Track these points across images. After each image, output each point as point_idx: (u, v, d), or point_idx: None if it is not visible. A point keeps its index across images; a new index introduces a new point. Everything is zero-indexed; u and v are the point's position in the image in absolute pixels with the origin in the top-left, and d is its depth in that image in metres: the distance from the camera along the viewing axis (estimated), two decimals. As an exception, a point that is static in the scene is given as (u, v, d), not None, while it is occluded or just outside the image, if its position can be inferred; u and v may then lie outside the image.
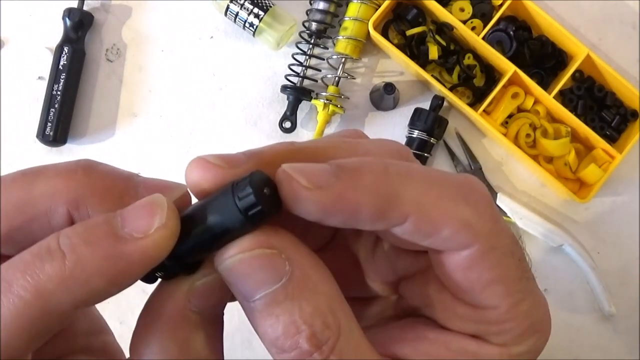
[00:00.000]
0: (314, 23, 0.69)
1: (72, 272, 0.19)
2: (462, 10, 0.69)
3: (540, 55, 0.69)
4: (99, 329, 0.27)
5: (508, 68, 0.66)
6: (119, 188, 0.21)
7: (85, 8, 0.70)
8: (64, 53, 0.68)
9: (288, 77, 0.71)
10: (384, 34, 0.70)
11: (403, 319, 0.25)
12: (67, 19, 0.69)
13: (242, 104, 0.72)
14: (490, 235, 0.21)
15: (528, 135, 0.68)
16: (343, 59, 0.69)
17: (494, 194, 0.71)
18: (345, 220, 0.20)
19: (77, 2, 0.70)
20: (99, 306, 0.23)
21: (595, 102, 0.70)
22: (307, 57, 0.70)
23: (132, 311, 0.22)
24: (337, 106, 0.69)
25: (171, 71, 0.72)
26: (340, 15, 0.70)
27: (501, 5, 0.68)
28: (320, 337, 0.19)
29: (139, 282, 0.21)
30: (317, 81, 0.71)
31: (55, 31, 0.70)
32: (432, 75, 0.68)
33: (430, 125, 0.68)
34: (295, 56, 0.70)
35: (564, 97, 0.70)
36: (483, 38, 0.67)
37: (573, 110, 0.68)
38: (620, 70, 0.70)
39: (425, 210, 0.20)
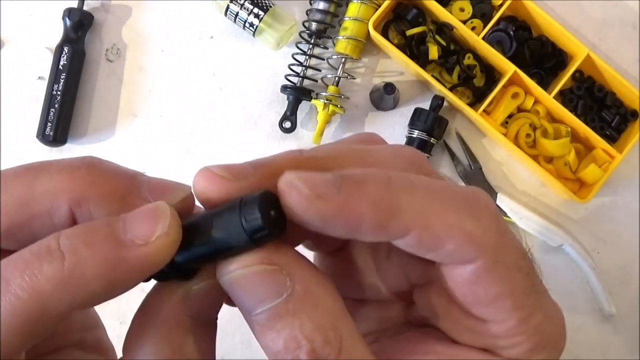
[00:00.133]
0: (314, 23, 0.69)
1: (71, 274, 0.19)
2: (462, 10, 0.69)
3: (540, 55, 0.69)
4: (93, 324, 0.27)
5: (508, 68, 0.66)
6: (123, 187, 0.21)
7: (85, 8, 0.70)
8: (64, 53, 0.68)
9: (288, 77, 0.71)
10: (384, 34, 0.70)
11: (414, 329, 0.25)
12: (67, 19, 0.69)
13: (242, 104, 0.72)
14: (495, 249, 0.20)
15: (528, 135, 0.68)
16: (343, 59, 0.69)
17: (494, 194, 0.71)
18: (345, 231, 0.20)
19: (77, 2, 0.70)
20: (99, 305, 0.23)
21: (595, 102, 0.70)
22: (307, 57, 0.70)
23: (132, 311, 0.22)
24: (337, 106, 0.69)
25: (171, 71, 0.72)
26: (340, 15, 0.70)
27: (501, 5, 0.68)
28: (321, 352, 0.19)
29: None
30: (317, 81, 0.71)
31: (55, 31, 0.70)
32: (432, 75, 0.68)
33: (430, 125, 0.68)
34: (295, 56, 0.70)
35: (564, 97, 0.70)
36: (483, 38, 0.67)
37: (573, 110, 0.68)
38: (620, 70, 0.70)
39: (428, 224, 0.20)
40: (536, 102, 0.69)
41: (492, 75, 0.70)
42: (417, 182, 0.20)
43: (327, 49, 0.72)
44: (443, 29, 0.68)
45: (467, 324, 0.22)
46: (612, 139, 0.70)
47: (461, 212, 0.20)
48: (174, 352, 0.21)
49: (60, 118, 0.68)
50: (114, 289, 0.19)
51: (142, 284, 0.21)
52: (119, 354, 0.22)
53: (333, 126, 0.72)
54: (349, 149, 0.22)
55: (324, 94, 0.69)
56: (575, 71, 0.68)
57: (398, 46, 0.68)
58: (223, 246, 0.20)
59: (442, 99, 0.68)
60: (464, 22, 0.68)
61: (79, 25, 0.69)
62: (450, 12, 0.67)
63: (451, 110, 0.72)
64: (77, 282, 0.19)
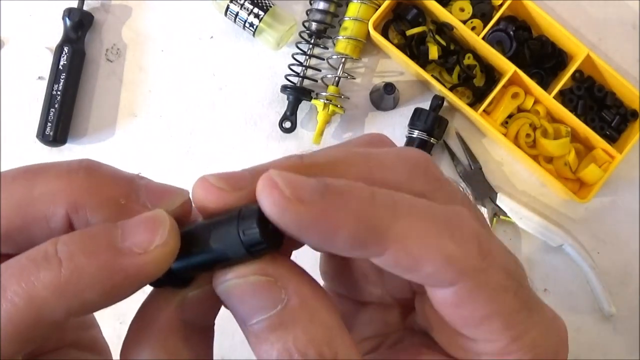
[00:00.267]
0: (314, 23, 0.69)
1: (68, 281, 0.18)
2: (462, 10, 0.69)
3: (540, 55, 0.69)
4: (89, 323, 0.27)
5: (508, 68, 0.66)
6: (120, 192, 0.21)
7: (85, 8, 0.70)
8: (64, 53, 0.68)
9: (288, 77, 0.71)
10: (384, 34, 0.70)
11: (416, 336, 0.25)
12: (67, 19, 0.69)
13: (242, 104, 0.72)
14: (477, 272, 0.20)
15: (528, 135, 0.68)
16: (343, 59, 0.69)
17: (494, 194, 0.71)
18: (321, 242, 0.20)
19: (77, 2, 0.70)
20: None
21: (595, 102, 0.70)
22: (307, 57, 0.70)
23: (132, 311, 0.22)
24: (337, 106, 0.69)
25: (171, 71, 0.72)
26: (340, 15, 0.70)
27: (501, 5, 0.68)
28: None
29: None
30: (317, 81, 0.71)
31: (55, 31, 0.70)
32: (432, 75, 0.68)
33: (430, 125, 0.68)
34: (295, 56, 0.70)
35: (564, 97, 0.70)
36: (483, 38, 0.67)
37: (573, 110, 0.68)
38: (620, 70, 0.70)
39: (406, 245, 0.19)
40: (536, 102, 0.69)
41: (492, 75, 0.70)
42: (399, 201, 0.20)
43: (327, 49, 0.72)
44: (443, 29, 0.68)
45: (460, 342, 0.22)
46: (612, 139, 0.70)
47: (442, 234, 0.20)
48: (170, 357, 0.21)
49: (60, 118, 0.68)
50: (111, 297, 0.19)
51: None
52: (119, 354, 0.22)
53: (333, 126, 0.72)
54: (350, 154, 0.22)
55: (324, 94, 0.69)
56: (575, 71, 0.68)
57: (398, 46, 0.68)
58: (220, 257, 0.20)
59: (442, 99, 0.68)
60: (464, 22, 0.68)
61: (79, 25, 0.69)
62: (450, 12, 0.67)
63: (451, 110, 0.72)
64: (74, 289, 0.18)
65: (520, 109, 0.70)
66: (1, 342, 0.18)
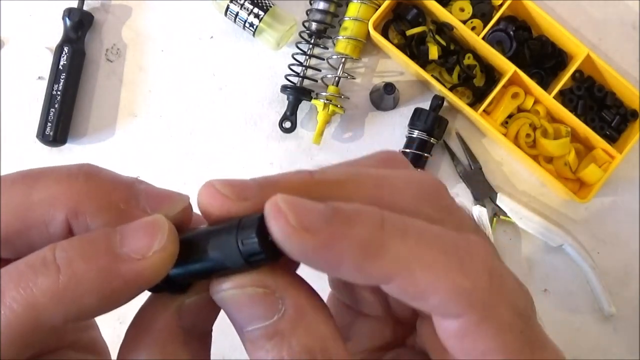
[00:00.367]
0: (314, 23, 0.69)
1: (66, 287, 0.18)
2: (462, 10, 0.69)
3: (540, 55, 0.69)
4: (88, 324, 0.27)
5: (508, 68, 0.66)
6: (120, 197, 0.21)
7: (85, 8, 0.70)
8: (64, 53, 0.68)
9: (288, 77, 0.71)
10: (384, 34, 0.70)
11: (414, 355, 0.25)
12: (67, 19, 0.69)
13: (242, 104, 0.72)
14: (485, 306, 0.19)
15: (528, 135, 0.68)
16: (343, 59, 0.69)
17: (494, 194, 0.71)
18: (326, 269, 0.19)
19: (77, 2, 0.70)
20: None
21: (595, 102, 0.70)
22: (307, 57, 0.70)
23: (132, 311, 0.22)
24: (337, 106, 0.69)
25: (171, 71, 0.72)
26: (340, 15, 0.70)
27: (501, 5, 0.68)
28: None
29: None
30: (317, 81, 0.71)
31: (55, 31, 0.70)
32: (432, 75, 0.68)
33: (430, 125, 0.68)
34: (295, 56, 0.70)
35: (564, 97, 0.70)
36: (483, 38, 0.67)
37: (573, 110, 0.68)
38: (620, 70, 0.70)
39: (413, 275, 0.19)
40: (536, 102, 0.69)
41: (492, 75, 0.70)
42: (410, 228, 0.19)
43: (327, 49, 0.72)
44: (443, 29, 0.68)
45: None
46: (612, 139, 0.70)
47: (451, 264, 0.19)
48: None
49: (60, 118, 0.68)
50: (110, 302, 0.19)
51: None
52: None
53: (333, 126, 0.72)
54: (361, 174, 0.21)
55: (324, 94, 0.69)
56: (575, 71, 0.68)
57: (398, 46, 0.68)
58: (218, 266, 0.20)
59: (442, 99, 0.68)
60: (464, 22, 0.68)
61: (79, 25, 0.69)
62: (450, 12, 0.67)
63: (451, 110, 0.72)
64: (72, 295, 0.18)
65: (520, 109, 0.70)
66: (0, 347, 0.18)
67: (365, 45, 0.70)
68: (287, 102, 0.70)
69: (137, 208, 0.21)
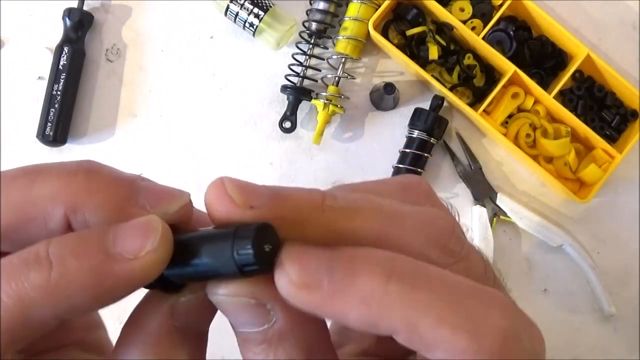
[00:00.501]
0: (314, 23, 0.69)
1: (57, 284, 0.18)
2: (462, 10, 0.69)
3: (540, 55, 0.69)
4: (95, 324, 0.27)
5: (508, 68, 0.66)
6: (120, 194, 0.21)
7: (85, 8, 0.70)
8: (64, 53, 0.68)
9: (288, 77, 0.71)
10: (384, 34, 0.70)
11: None
12: (67, 19, 0.69)
13: (242, 104, 0.72)
14: None
15: (528, 135, 0.68)
16: (343, 59, 0.69)
17: (494, 194, 0.71)
18: (333, 320, 0.20)
19: (77, 2, 0.70)
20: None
21: (595, 102, 0.70)
22: (307, 57, 0.70)
23: (131, 310, 0.22)
24: (337, 106, 0.69)
25: (171, 71, 0.72)
26: (340, 15, 0.70)
27: (501, 5, 0.68)
28: None
29: None
30: (317, 81, 0.71)
31: (55, 31, 0.70)
32: (432, 75, 0.68)
33: (430, 125, 0.68)
34: (295, 56, 0.70)
35: (564, 97, 0.70)
36: (483, 38, 0.67)
37: (573, 110, 0.68)
38: (620, 70, 0.70)
39: (418, 331, 0.18)
40: (536, 102, 0.69)
41: (492, 75, 0.70)
42: (419, 278, 0.19)
43: (327, 49, 0.72)
44: (443, 29, 0.68)
45: None
46: (612, 139, 0.70)
47: (461, 323, 0.18)
48: None
49: (60, 118, 0.68)
50: (101, 300, 0.19)
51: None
52: None
53: (333, 126, 0.72)
54: (373, 206, 0.21)
55: (324, 94, 0.69)
56: (575, 71, 0.68)
57: (398, 46, 0.68)
58: (211, 272, 0.20)
59: (442, 99, 0.68)
60: (464, 22, 0.68)
61: (79, 25, 0.69)
62: (450, 12, 0.67)
63: (451, 110, 0.72)
64: (63, 292, 0.18)
65: (520, 109, 0.70)
66: None
67: (365, 45, 0.70)
68: (287, 102, 0.70)
69: (137, 205, 0.21)
